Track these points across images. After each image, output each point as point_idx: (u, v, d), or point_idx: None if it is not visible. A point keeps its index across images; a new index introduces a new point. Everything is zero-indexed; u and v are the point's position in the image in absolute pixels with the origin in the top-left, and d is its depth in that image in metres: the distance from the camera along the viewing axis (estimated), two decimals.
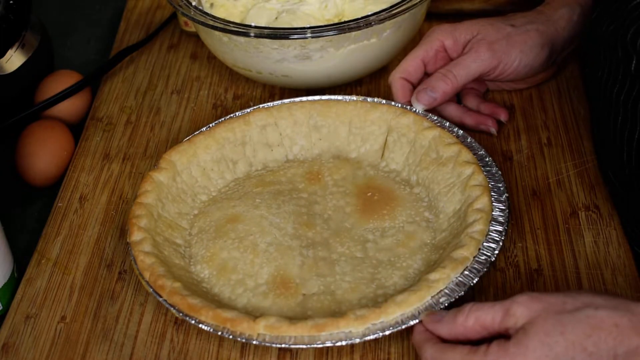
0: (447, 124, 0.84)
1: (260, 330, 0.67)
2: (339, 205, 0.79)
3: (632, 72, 0.72)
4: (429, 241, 0.75)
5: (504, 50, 0.84)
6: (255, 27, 0.87)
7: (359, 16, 0.87)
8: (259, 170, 0.84)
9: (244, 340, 0.67)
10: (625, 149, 0.74)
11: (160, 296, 0.70)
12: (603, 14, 0.76)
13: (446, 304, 0.67)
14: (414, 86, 0.87)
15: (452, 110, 0.88)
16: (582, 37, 0.88)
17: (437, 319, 0.65)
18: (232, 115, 0.86)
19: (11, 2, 0.90)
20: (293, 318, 0.68)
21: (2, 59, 0.91)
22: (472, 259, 0.70)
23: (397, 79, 0.87)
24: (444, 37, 0.86)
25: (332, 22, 0.91)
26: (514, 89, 0.92)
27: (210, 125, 0.85)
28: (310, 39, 0.85)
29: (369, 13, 0.87)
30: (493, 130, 0.87)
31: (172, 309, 0.69)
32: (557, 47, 0.87)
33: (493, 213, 0.74)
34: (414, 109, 0.85)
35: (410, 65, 0.86)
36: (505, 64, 0.85)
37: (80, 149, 0.90)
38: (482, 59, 0.84)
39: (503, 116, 0.88)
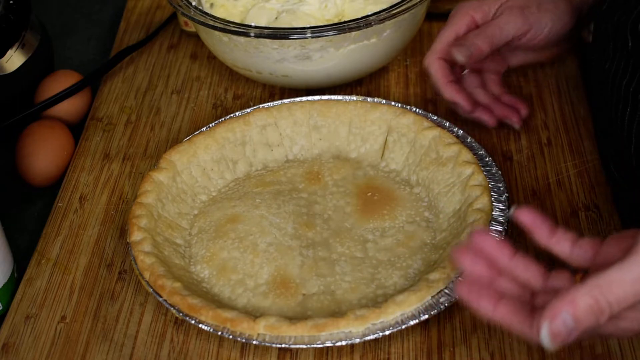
0: (447, 124, 0.84)
1: (260, 330, 0.67)
2: (339, 205, 0.79)
3: None
4: (429, 241, 0.75)
5: (536, 17, 0.84)
6: (255, 27, 0.87)
7: (359, 16, 0.87)
8: (259, 170, 0.84)
9: (244, 340, 0.67)
10: (634, 141, 0.73)
11: (160, 296, 0.70)
12: (614, 5, 0.76)
13: (446, 304, 0.67)
14: (451, 65, 0.86)
15: (482, 96, 0.88)
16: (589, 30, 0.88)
17: None
18: (232, 115, 0.86)
19: (11, 2, 0.90)
20: (293, 318, 0.68)
21: (2, 59, 0.91)
22: None
23: (434, 60, 0.85)
24: (473, 11, 0.86)
25: (332, 22, 0.91)
26: (537, 61, 0.91)
27: (210, 125, 0.85)
28: (310, 39, 0.85)
29: (369, 13, 0.87)
30: (517, 125, 0.87)
31: (172, 309, 0.69)
32: (584, 14, 0.87)
33: (493, 213, 0.74)
34: (414, 109, 0.85)
35: (446, 44, 0.85)
36: (537, 30, 0.84)
37: (80, 149, 0.90)
38: (514, 22, 0.83)
39: (523, 112, 0.88)
